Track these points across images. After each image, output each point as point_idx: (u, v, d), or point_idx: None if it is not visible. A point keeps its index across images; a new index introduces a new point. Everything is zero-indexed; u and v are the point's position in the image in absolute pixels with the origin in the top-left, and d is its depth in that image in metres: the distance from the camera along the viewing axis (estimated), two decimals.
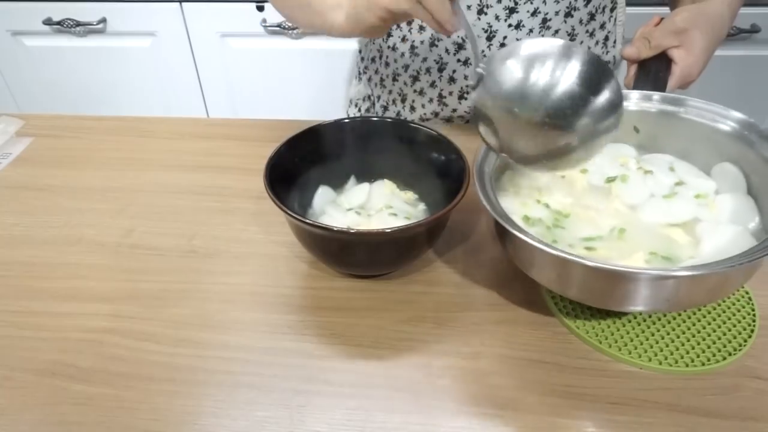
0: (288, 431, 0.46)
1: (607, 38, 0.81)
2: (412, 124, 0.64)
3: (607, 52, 0.82)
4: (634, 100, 0.61)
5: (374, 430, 0.46)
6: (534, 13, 0.72)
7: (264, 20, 1.38)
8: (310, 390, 0.49)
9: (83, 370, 0.51)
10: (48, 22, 1.41)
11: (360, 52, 0.91)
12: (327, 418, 0.47)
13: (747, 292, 0.56)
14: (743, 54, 1.35)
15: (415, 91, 0.83)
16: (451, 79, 0.79)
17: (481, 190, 0.51)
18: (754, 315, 0.54)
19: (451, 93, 0.81)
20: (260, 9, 1.37)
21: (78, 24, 1.41)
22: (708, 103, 0.58)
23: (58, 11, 1.40)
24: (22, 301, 0.58)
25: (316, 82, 1.49)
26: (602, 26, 0.79)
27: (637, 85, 0.66)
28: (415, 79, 0.82)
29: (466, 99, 0.81)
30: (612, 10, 0.79)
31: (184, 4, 1.37)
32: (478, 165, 0.54)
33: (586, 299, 0.50)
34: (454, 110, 0.83)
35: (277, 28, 1.38)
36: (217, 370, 0.51)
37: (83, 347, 0.53)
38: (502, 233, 0.52)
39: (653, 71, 0.66)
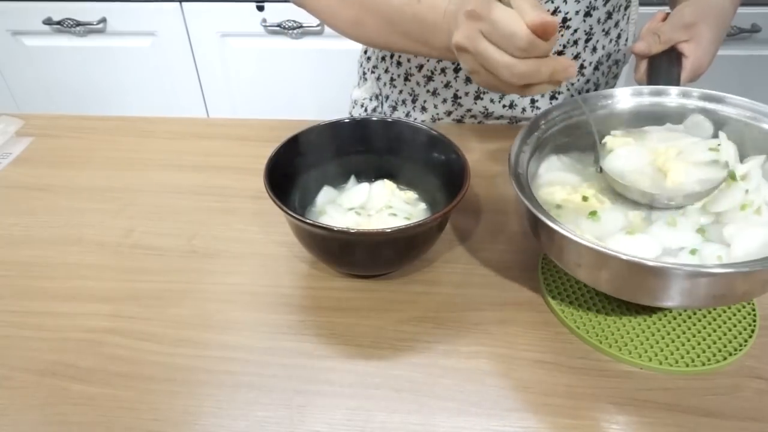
0: (288, 431, 0.46)
1: (619, 36, 0.81)
2: (412, 124, 0.64)
3: (618, 50, 0.83)
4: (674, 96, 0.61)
5: (374, 430, 0.46)
6: (554, 13, 0.72)
7: (264, 20, 1.38)
8: (310, 390, 0.49)
9: (83, 370, 0.51)
10: (48, 21, 1.41)
11: (366, 52, 0.90)
12: (327, 418, 0.47)
13: None
14: (743, 54, 1.35)
15: (428, 91, 0.83)
16: (468, 79, 0.79)
17: (518, 187, 0.50)
18: (754, 315, 0.54)
19: (467, 93, 0.80)
20: (260, 9, 1.37)
21: (78, 24, 1.41)
22: (740, 98, 0.60)
23: (58, 11, 1.41)
24: (22, 301, 0.58)
25: (316, 82, 1.49)
26: (616, 24, 0.79)
27: (650, 81, 0.66)
28: (429, 79, 0.81)
29: (482, 99, 0.80)
30: (626, 8, 0.80)
31: (184, 3, 1.38)
32: (512, 167, 0.53)
33: (629, 296, 0.49)
34: (469, 110, 0.82)
35: (277, 28, 1.38)
36: (217, 370, 0.51)
37: (83, 347, 0.53)
38: (540, 229, 0.51)
39: (664, 66, 0.66)
